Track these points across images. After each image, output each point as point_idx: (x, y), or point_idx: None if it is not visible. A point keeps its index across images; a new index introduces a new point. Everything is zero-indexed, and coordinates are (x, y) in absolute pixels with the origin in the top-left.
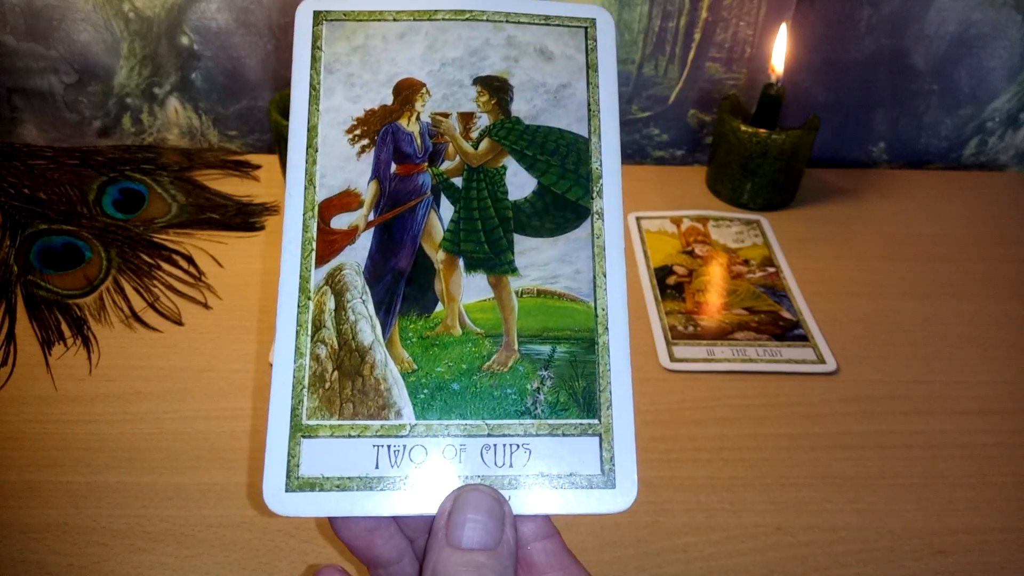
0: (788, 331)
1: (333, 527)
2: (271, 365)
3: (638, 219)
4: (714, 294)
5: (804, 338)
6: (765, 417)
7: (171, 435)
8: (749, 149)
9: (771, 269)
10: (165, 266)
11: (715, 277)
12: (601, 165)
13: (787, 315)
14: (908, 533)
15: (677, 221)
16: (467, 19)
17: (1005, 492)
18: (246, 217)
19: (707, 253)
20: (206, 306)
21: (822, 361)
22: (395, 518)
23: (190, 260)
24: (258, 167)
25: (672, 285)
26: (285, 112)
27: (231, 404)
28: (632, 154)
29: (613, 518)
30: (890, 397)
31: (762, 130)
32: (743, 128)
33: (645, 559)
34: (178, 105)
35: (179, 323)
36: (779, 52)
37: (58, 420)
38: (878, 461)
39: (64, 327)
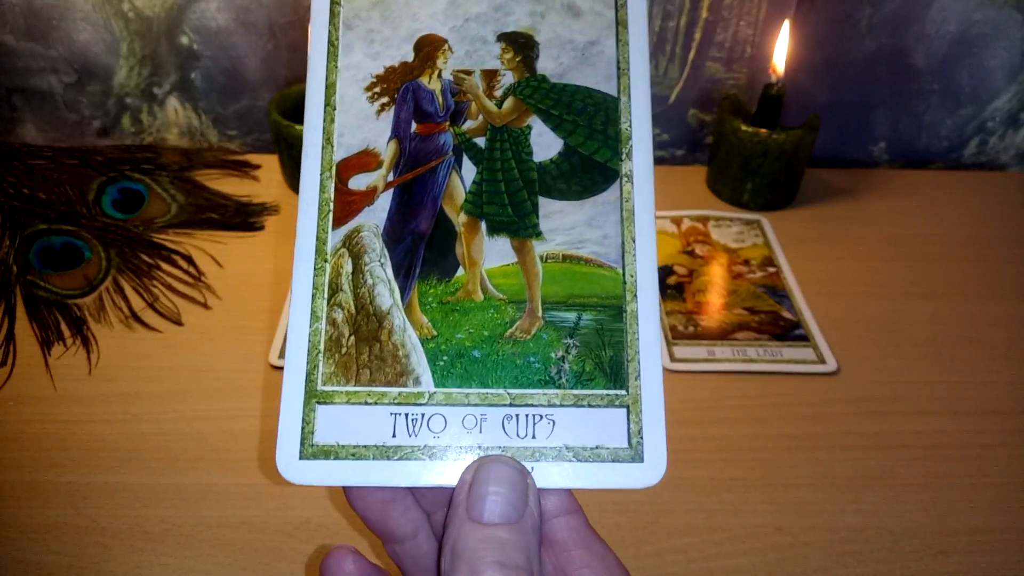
0: (788, 331)
1: (347, 497)
2: (272, 366)
3: None
4: (714, 294)
5: (804, 338)
6: (765, 417)
7: (171, 435)
8: (749, 149)
9: (771, 269)
10: (165, 266)
11: (715, 277)
12: (631, 126)
13: (787, 315)
14: (908, 533)
15: (677, 221)
16: None
17: (1005, 492)
18: (246, 217)
19: (707, 253)
20: (206, 306)
21: (822, 361)
22: (412, 490)
23: (190, 260)
24: (258, 167)
25: (672, 285)
26: (285, 112)
27: (231, 404)
28: None
29: (613, 518)
30: (890, 397)
31: (762, 130)
32: (743, 128)
33: (645, 559)
34: (178, 105)
35: (179, 323)
36: (780, 52)
37: (58, 420)
38: (878, 461)
39: (64, 327)
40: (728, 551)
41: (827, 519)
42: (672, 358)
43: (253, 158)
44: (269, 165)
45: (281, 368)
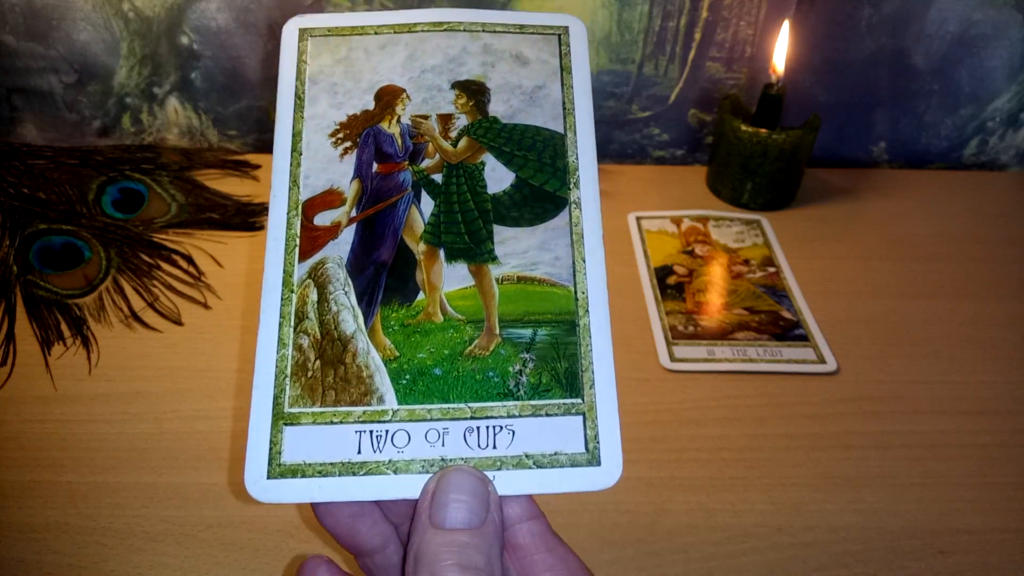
0: (788, 331)
1: (316, 514)
2: None
3: (638, 219)
4: (714, 294)
5: (804, 338)
6: (765, 417)
7: (171, 435)
8: (749, 149)
9: (771, 269)
10: (165, 266)
11: (715, 277)
12: (577, 158)
13: (787, 315)
14: (908, 533)
15: (677, 221)
16: (445, 30)
17: (1005, 492)
18: (245, 217)
19: (707, 253)
20: (206, 306)
21: (822, 361)
22: (379, 504)
23: (190, 260)
24: (257, 167)
25: (672, 285)
26: None
27: (231, 404)
28: (632, 154)
29: (613, 518)
30: (890, 397)
31: (762, 130)
32: (743, 128)
33: (645, 559)
34: (178, 105)
35: (179, 323)
36: (780, 52)
37: (58, 420)
38: (878, 461)
39: (64, 327)
40: (728, 551)
41: (827, 519)
42: (672, 358)
43: (253, 158)
44: (269, 165)
45: None
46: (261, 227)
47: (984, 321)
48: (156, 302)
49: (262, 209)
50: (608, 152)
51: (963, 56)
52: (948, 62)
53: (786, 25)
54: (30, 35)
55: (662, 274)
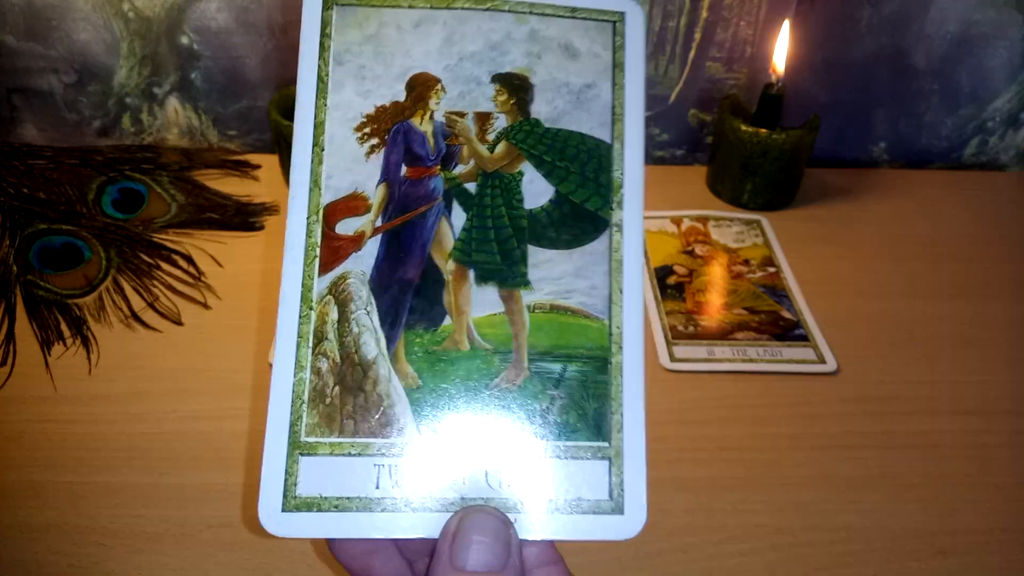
0: (788, 331)
1: (331, 548)
2: (271, 365)
3: None
4: (714, 294)
5: (804, 338)
6: (765, 417)
7: (171, 435)
8: (749, 149)
9: (771, 269)
10: (165, 266)
11: (715, 277)
12: (623, 174)
13: (787, 315)
14: (908, 533)
15: (677, 221)
16: (488, 9)
17: (1005, 492)
18: (246, 217)
19: (707, 253)
20: (206, 306)
21: (822, 361)
22: (394, 540)
23: (190, 260)
24: (258, 167)
25: (672, 285)
26: (285, 112)
27: (231, 404)
28: None
29: None
30: (891, 397)
31: (762, 130)
32: (743, 128)
33: (645, 559)
34: (178, 105)
35: (179, 323)
36: (780, 52)
37: (58, 420)
38: (878, 461)
39: (64, 327)
40: (728, 551)
41: (827, 519)
42: (672, 358)
43: (253, 158)
44: (269, 165)
45: None
46: (261, 227)
47: (984, 321)
48: (156, 302)
49: (262, 209)
50: None
51: (963, 56)
52: (948, 62)
53: (786, 25)
54: (30, 35)
55: (662, 274)
